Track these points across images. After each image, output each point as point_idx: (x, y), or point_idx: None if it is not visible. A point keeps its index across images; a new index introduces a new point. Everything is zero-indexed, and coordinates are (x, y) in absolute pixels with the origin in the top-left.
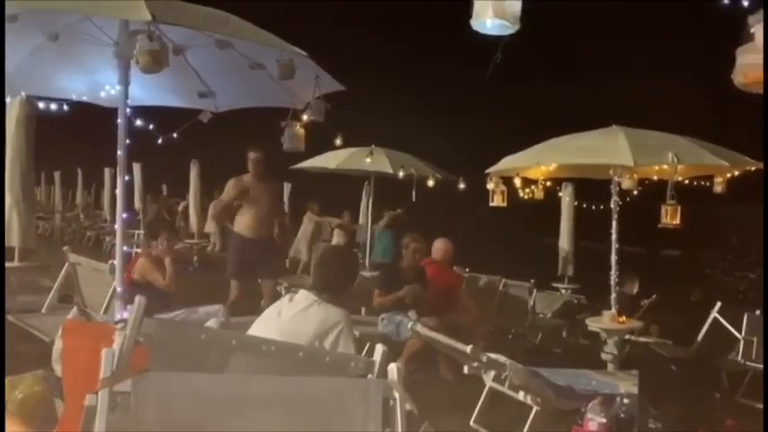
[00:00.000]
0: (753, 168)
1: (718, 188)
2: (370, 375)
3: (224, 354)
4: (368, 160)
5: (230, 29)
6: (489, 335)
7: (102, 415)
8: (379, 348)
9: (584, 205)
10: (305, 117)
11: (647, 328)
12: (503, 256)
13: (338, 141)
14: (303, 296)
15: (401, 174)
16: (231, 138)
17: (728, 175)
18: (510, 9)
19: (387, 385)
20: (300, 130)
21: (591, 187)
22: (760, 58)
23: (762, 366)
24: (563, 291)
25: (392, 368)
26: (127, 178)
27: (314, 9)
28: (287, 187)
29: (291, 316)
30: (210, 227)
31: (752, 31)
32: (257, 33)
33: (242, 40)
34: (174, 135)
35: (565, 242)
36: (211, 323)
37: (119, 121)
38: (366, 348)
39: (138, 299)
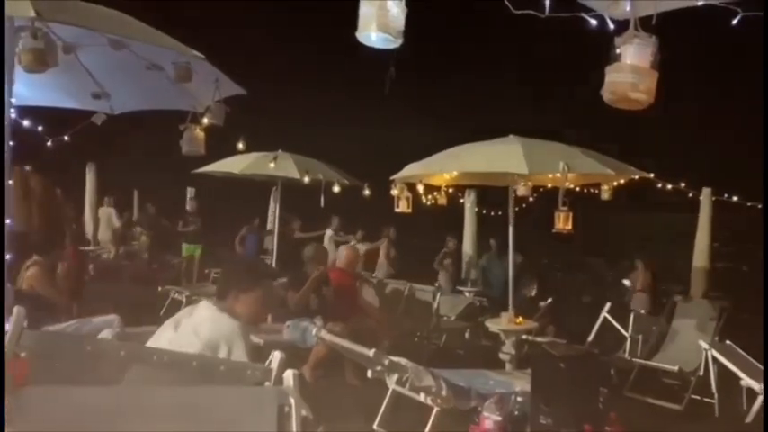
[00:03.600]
0: (637, 177)
1: (605, 195)
2: (267, 383)
3: (118, 365)
4: (271, 165)
5: (124, 29)
6: (396, 338)
7: None
8: (276, 355)
9: (484, 211)
10: (204, 120)
11: (544, 329)
12: (407, 261)
13: (240, 146)
14: (203, 306)
15: (306, 179)
16: (130, 141)
17: (615, 184)
18: (393, 24)
19: (282, 392)
20: (200, 134)
21: (493, 194)
22: (627, 77)
23: (648, 362)
24: (467, 293)
25: (288, 375)
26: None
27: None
28: (190, 191)
29: (186, 326)
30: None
31: (618, 51)
32: (152, 34)
33: (136, 40)
34: (66, 138)
35: (468, 246)
36: (105, 334)
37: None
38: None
39: (17, 310)
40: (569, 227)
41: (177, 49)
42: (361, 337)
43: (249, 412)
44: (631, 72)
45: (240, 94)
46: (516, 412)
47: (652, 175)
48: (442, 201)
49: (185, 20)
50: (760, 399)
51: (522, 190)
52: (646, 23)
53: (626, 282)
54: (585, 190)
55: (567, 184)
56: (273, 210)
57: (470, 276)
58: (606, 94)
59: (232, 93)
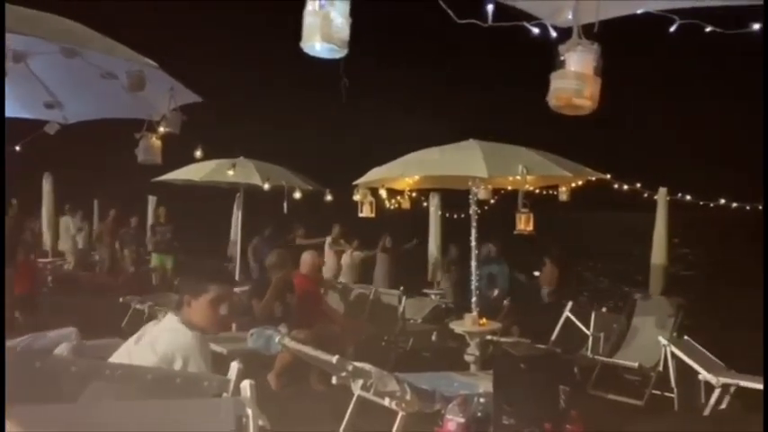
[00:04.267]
0: (593, 178)
1: (564, 197)
2: (225, 394)
3: (76, 382)
4: (230, 173)
5: (75, 37)
6: (362, 343)
7: None
8: (234, 366)
9: (447, 215)
10: (160, 129)
11: (509, 329)
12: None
13: (198, 153)
14: (166, 318)
15: (266, 186)
16: (86, 150)
17: (572, 185)
18: (338, 34)
19: (239, 403)
20: (156, 142)
21: (457, 197)
22: (572, 83)
23: (609, 359)
24: (433, 296)
25: (245, 385)
26: None
27: (173, 16)
28: (151, 200)
29: (146, 339)
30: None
31: (562, 58)
32: (104, 43)
33: (87, 49)
34: (17, 148)
35: (433, 249)
36: (62, 348)
37: None
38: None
39: None
40: (530, 228)
41: (130, 57)
42: (325, 344)
43: (206, 424)
44: (575, 79)
45: (197, 101)
46: (479, 413)
47: (608, 176)
48: (406, 205)
49: (138, 28)
50: (717, 392)
51: (482, 193)
52: (589, 31)
53: (536, 273)
54: (545, 192)
55: (526, 186)
56: (237, 216)
57: (436, 278)
58: (552, 100)
59: (188, 101)
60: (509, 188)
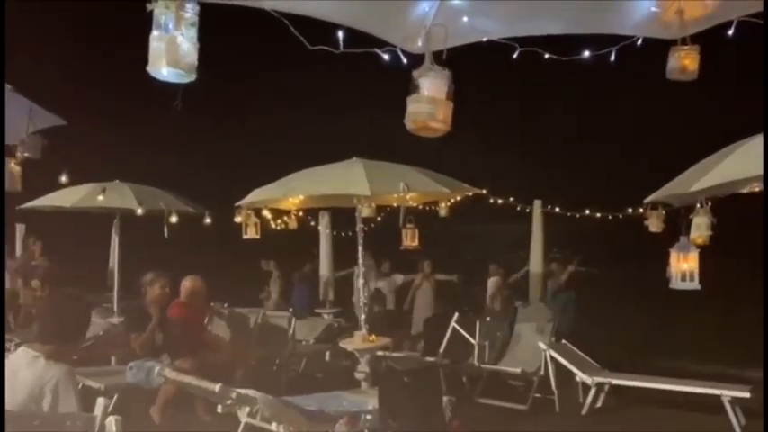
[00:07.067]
0: (470, 194)
1: (443, 212)
2: None
3: None
4: (99, 198)
5: None
6: (253, 368)
7: None
8: (100, 402)
9: (335, 233)
10: (18, 154)
11: (401, 343)
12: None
13: (63, 179)
14: (21, 353)
15: (140, 210)
16: None
17: (451, 201)
18: (185, 59)
19: None
20: (16, 168)
21: (346, 215)
22: (425, 107)
23: (494, 367)
24: (325, 315)
25: (110, 421)
26: None
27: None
28: (20, 228)
29: (7, 378)
30: None
31: (416, 83)
32: None
33: None
34: None
35: (325, 269)
36: None
37: None
38: (114, 401)
39: None
40: (416, 243)
41: None
42: (212, 372)
43: None
44: (428, 103)
45: (60, 124)
46: (366, 430)
47: (485, 191)
48: (293, 225)
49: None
50: (592, 391)
51: (366, 211)
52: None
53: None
54: (428, 207)
55: (409, 202)
56: (114, 243)
57: (328, 297)
58: (409, 123)
59: (49, 124)
60: (395, 205)
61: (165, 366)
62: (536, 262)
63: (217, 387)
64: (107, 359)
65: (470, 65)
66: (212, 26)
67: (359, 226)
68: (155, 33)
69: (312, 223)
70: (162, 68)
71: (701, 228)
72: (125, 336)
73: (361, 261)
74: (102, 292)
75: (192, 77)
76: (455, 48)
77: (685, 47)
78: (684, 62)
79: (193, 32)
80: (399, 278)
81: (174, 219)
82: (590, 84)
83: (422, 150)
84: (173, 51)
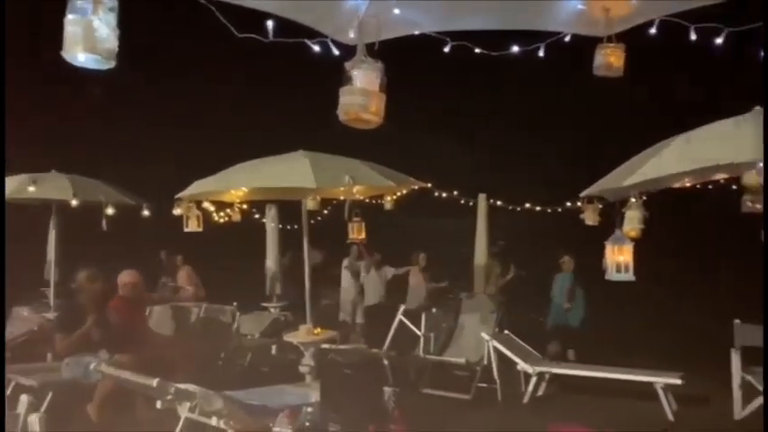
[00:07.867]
0: (416, 187)
1: (388, 206)
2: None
3: None
4: (30, 189)
5: None
6: (198, 363)
7: None
8: (24, 399)
9: (281, 226)
10: None
11: (348, 337)
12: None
13: None
14: None
15: (74, 201)
16: None
17: (396, 194)
18: (103, 45)
19: None
20: None
21: (293, 208)
22: (358, 99)
23: (439, 357)
24: (272, 309)
25: (33, 419)
26: None
27: None
28: None
29: None
30: None
31: (349, 74)
32: None
33: None
34: None
35: (271, 262)
36: None
37: None
38: (48, 398)
39: None
40: (362, 236)
41: None
42: (153, 367)
43: None
44: (361, 95)
45: None
46: (307, 423)
47: (429, 185)
48: (237, 217)
49: None
50: (533, 380)
51: (311, 204)
52: (372, 48)
53: None
54: (375, 201)
55: (356, 195)
56: (51, 236)
57: (275, 291)
58: (341, 114)
59: None
60: (341, 198)
61: (102, 362)
62: (480, 254)
63: (155, 382)
64: (42, 355)
65: (405, 58)
66: (139, 11)
67: (304, 219)
68: (69, 17)
69: (256, 216)
70: (78, 54)
71: (632, 221)
72: (61, 331)
73: (306, 254)
74: (40, 287)
75: (112, 64)
76: (388, 40)
77: (611, 44)
78: (610, 59)
79: (112, 17)
80: (390, 271)
81: (110, 210)
82: (527, 78)
83: (362, 144)
84: (90, 36)
